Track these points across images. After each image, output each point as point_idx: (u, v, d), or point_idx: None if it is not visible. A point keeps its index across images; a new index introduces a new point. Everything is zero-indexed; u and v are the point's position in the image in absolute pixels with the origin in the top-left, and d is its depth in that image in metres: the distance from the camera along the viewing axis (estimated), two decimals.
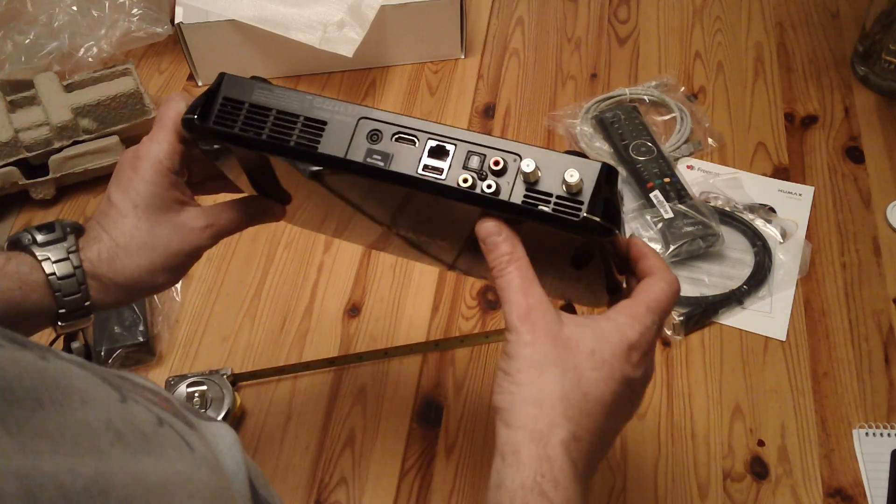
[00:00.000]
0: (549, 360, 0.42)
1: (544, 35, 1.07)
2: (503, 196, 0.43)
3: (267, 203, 0.57)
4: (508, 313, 0.44)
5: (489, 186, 0.43)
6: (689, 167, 0.90)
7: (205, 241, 0.53)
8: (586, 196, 0.42)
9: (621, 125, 0.91)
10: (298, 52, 0.96)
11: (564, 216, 0.42)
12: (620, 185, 0.72)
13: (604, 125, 0.92)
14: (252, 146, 0.47)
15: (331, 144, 0.45)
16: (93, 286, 0.51)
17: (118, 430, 0.29)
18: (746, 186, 0.87)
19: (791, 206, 0.86)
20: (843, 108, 0.95)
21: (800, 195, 0.87)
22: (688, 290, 0.79)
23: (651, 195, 0.83)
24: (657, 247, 0.80)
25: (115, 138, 0.91)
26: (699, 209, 0.81)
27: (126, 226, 0.51)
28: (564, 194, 0.42)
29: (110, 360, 0.75)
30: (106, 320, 0.77)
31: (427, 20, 0.99)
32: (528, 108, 0.98)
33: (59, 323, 0.52)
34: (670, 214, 0.81)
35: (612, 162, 0.89)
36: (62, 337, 0.78)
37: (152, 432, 0.31)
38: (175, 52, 1.05)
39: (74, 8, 0.98)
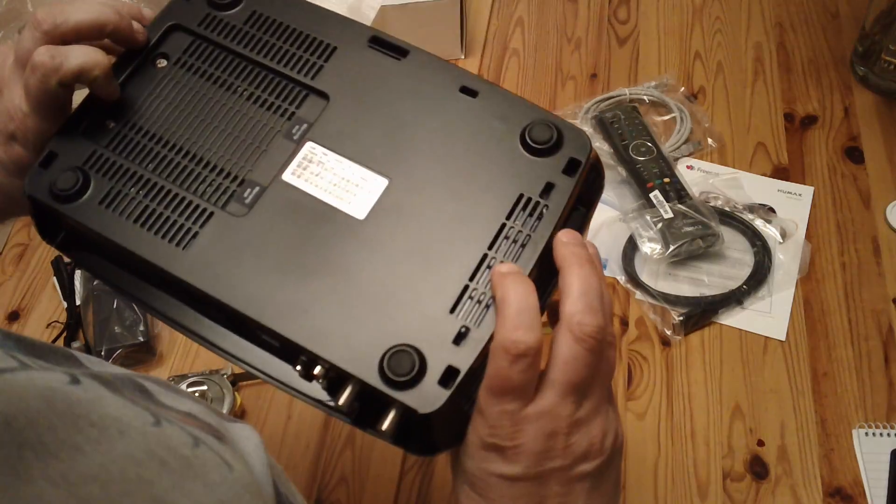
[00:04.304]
0: None
1: (544, 35, 1.07)
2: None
3: None
4: None
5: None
6: (688, 167, 0.90)
7: None
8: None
9: (621, 125, 0.91)
10: None
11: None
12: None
13: (604, 125, 0.92)
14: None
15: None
16: None
17: (161, 457, 0.28)
18: (746, 186, 0.88)
19: (791, 206, 0.86)
20: (842, 108, 0.95)
21: (799, 195, 0.87)
22: (687, 290, 0.80)
23: (651, 195, 0.83)
24: (657, 247, 0.80)
25: None
26: (699, 209, 0.81)
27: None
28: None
29: (110, 360, 0.75)
30: (106, 320, 0.77)
31: (427, 20, 0.99)
32: None
33: None
34: (670, 214, 0.81)
35: (612, 162, 0.89)
36: (62, 337, 0.79)
37: (192, 455, 0.30)
38: None
39: None
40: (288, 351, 0.41)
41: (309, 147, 0.45)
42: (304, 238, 0.42)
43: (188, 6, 0.50)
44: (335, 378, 0.39)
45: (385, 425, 0.38)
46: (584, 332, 0.38)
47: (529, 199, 0.43)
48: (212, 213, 0.43)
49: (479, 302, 0.40)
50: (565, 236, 0.41)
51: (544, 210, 0.43)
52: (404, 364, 0.38)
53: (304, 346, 0.39)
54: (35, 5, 0.98)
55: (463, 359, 0.38)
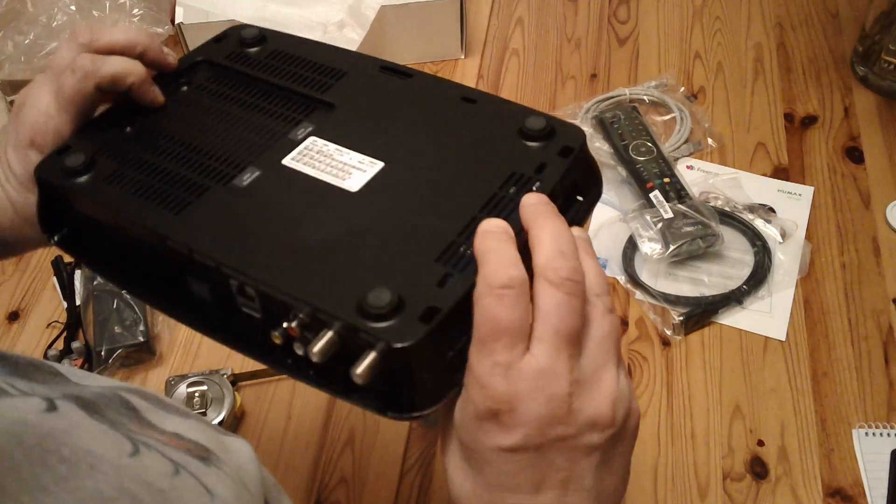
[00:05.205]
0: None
1: (544, 35, 1.07)
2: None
3: None
4: None
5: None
6: (688, 167, 0.90)
7: None
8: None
9: (621, 125, 0.91)
10: None
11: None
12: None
13: (604, 125, 0.92)
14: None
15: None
16: None
17: (134, 494, 0.28)
18: (746, 186, 0.88)
19: (791, 206, 0.86)
20: (842, 108, 0.95)
21: (799, 195, 0.87)
22: (687, 290, 0.80)
23: (651, 195, 0.83)
24: (657, 247, 0.80)
25: None
26: (699, 209, 0.81)
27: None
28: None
29: (110, 360, 0.75)
30: (106, 320, 0.77)
31: (427, 20, 0.99)
32: None
33: None
34: (670, 214, 0.81)
35: (612, 162, 0.89)
36: (62, 337, 0.79)
37: (169, 486, 0.30)
38: (175, 53, 1.05)
39: (73, 8, 0.98)
40: (268, 310, 0.40)
41: (311, 140, 0.47)
42: (293, 204, 0.44)
43: (217, 46, 0.55)
44: (312, 338, 0.38)
45: (360, 369, 0.36)
46: (559, 276, 0.36)
47: (522, 175, 0.44)
48: (208, 187, 0.44)
49: (465, 254, 0.39)
50: (531, 198, 0.40)
51: (536, 185, 0.43)
52: (382, 298, 0.36)
53: (281, 287, 0.39)
54: (35, 5, 0.98)
55: (445, 298, 0.37)
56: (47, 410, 0.28)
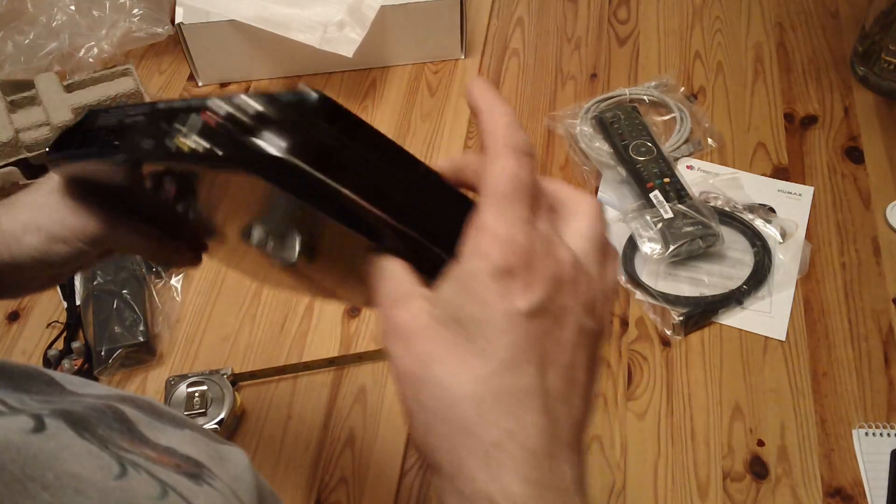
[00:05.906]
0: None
1: (544, 35, 1.07)
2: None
3: (173, 244, 0.52)
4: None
5: None
6: (688, 167, 0.90)
7: (102, 240, 0.48)
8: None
9: (621, 125, 0.91)
10: (298, 53, 0.96)
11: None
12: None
13: (604, 125, 0.92)
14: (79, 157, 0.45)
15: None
16: None
17: None
18: (746, 186, 0.88)
19: (791, 206, 0.86)
20: (842, 108, 0.95)
21: (799, 195, 0.87)
22: (687, 290, 0.80)
23: (651, 195, 0.83)
24: (657, 247, 0.80)
25: None
26: (699, 209, 0.82)
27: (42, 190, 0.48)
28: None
29: (110, 360, 0.75)
30: (106, 320, 0.77)
31: (427, 20, 0.99)
32: (528, 109, 0.98)
33: None
34: (670, 214, 0.81)
35: (612, 162, 0.89)
36: (62, 337, 0.79)
37: None
38: (175, 53, 1.05)
39: (72, 8, 0.99)
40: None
41: None
42: None
43: None
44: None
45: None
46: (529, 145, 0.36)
47: None
48: None
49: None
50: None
51: None
52: None
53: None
54: (35, 5, 0.98)
55: None
56: (34, 431, 0.27)
